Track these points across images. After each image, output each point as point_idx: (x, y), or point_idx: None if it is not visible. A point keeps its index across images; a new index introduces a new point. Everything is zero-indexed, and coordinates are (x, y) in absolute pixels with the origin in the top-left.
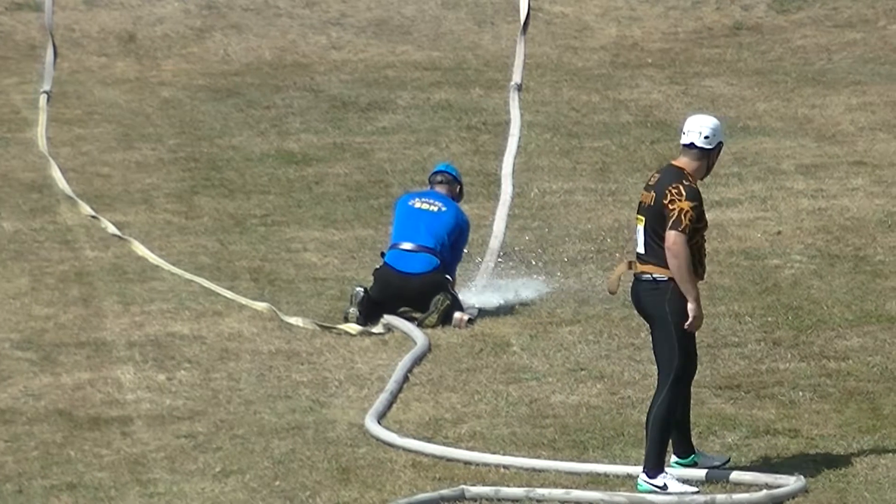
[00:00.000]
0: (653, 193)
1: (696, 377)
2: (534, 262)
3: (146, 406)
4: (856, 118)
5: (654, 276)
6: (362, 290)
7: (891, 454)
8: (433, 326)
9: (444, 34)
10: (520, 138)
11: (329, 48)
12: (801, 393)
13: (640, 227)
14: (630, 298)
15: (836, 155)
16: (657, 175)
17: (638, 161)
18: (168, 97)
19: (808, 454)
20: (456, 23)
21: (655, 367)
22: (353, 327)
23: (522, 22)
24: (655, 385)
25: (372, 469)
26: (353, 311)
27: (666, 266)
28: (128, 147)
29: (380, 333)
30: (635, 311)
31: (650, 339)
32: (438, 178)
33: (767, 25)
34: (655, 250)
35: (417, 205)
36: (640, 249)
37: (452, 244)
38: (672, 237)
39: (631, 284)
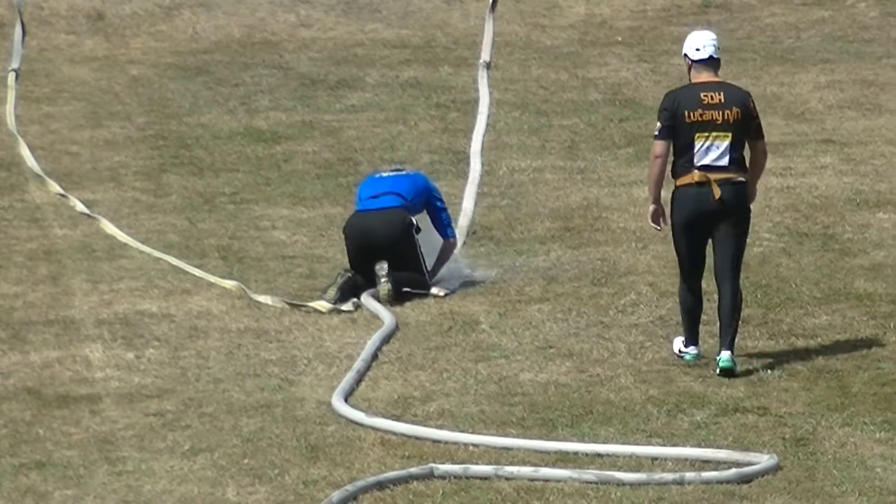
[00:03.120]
0: (735, 108)
1: (664, 354)
2: (503, 240)
3: (115, 384)
4: (824, 96)
5: (741, 179)
6: (349, 274)
7: (859, 432)
8: (390, 300)
9: (412, 12)
10: (488, 116)
11: (298, 26)
12: (769, 371)
13: (725, 143)
14: (692, 212)
15: (805, 133)
16: (719, 93)
17: (607, 139)
18: (137, 75)
19: (776, 432)
20: (425, 1)
21: (726, 264)
22: (323, 305)
23: (491, 0)
24: (727, 280)
25: (340, 447)
26: (333, 290)
27: (746, 171)
28: (96, 125)
29: (349, 311)
30: (694, 222)
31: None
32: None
33: (736, 3)
34: (739, 160)
35: (378, 175)
36: (724, 163)
37: (425, 198)
38: (763, 146)
39: (694, 194)
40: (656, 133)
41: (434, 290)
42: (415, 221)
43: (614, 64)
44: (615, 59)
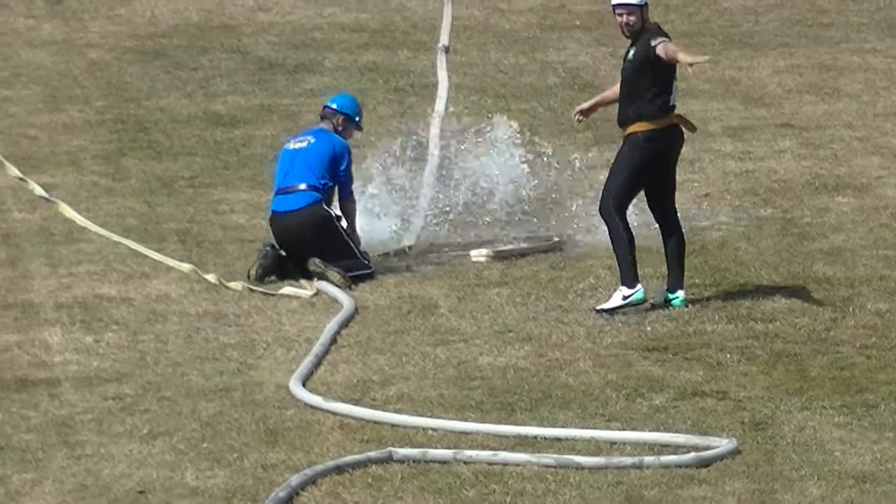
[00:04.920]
0: None
1: (623, 339)
2: (460, 224)
3: (74, 368)
4: (783, 80)
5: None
6: (269, 247)
7: (818, 416)
8: (347, 283)
9: None
10: (447, 100)
11: (256, 10)
12: (728, 355)
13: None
14: (669, 147)
15: (764, 117)
16: None
17: (565, 123)
18: (95, 59)
19: (735, 416)
20: None
21: (662, 210)
22: (237, 285)
23: None
24: (675, 218)
25: (299, 431)
26: (255, 268)
27: None
28: (55, 109)
29: (269, 293)
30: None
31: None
32: (321, 114)
33: None
34: None
35: (291, 146)
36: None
37: (332, 172)
38: None
39: (676, 132)
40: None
41: (474, 257)
42: (332, 212)
43: (573, 48)
44: (574, 43)
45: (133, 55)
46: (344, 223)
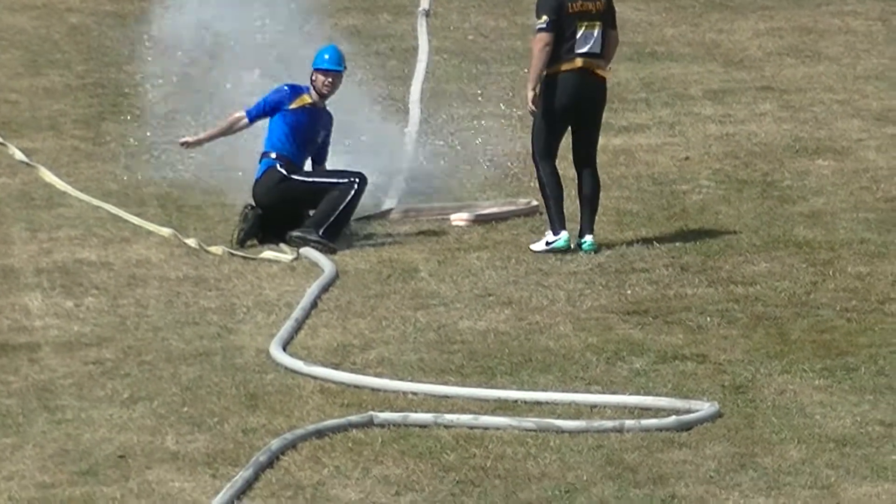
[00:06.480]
0: (599, 2)
1: (603, 302)
2: (442, 188)
3: (54, 333)
4: (763, 43)
5: (608, 68)
6: (249, 208)
7: (798, 379)
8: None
9: None
10: (428, 64)
11: None
12: (708, 318)
13: (597, 31)
14: (573, 96)
15: (744, 80)
16: None
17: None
18: (76, 23)
19: (715, 379)
20: None
21: (584, 152)
22: (217, 249)
23: None
24: (590, 166)
25: (280, 395)
26: (236, 231)
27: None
28: (35, 73)
29: (249, 257)
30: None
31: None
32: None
33: None
34: (607, 51)
35: None
36: (597, 50)
37: (275, 127)
38: (617, 35)
39: (576, 80)
40: (543, 26)
41: (454, 220)
42: (285, 172)
43: None
44: None
45: (113, 19)
46: (307, 169)
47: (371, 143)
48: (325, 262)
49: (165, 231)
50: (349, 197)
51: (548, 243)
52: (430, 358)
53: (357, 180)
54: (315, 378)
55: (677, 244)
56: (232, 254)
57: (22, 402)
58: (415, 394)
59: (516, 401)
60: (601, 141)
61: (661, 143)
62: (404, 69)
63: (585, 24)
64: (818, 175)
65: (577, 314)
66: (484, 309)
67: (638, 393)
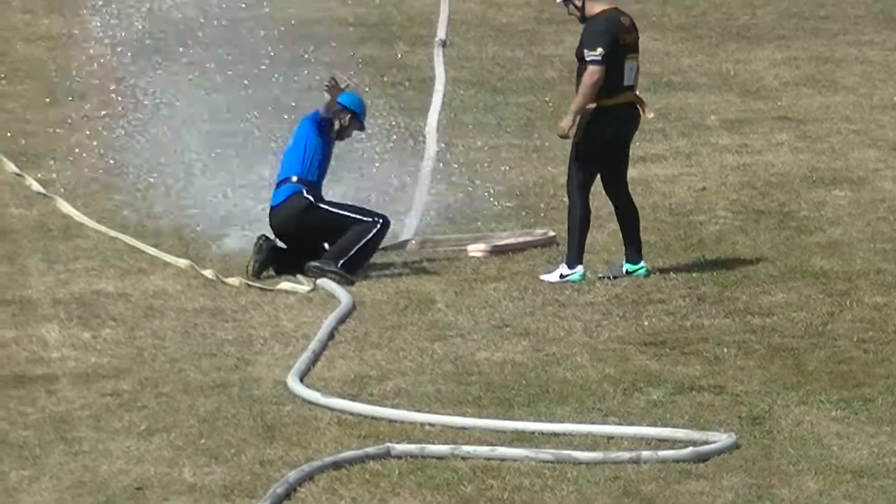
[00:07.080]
0: (636, 34)
1: (620, 333)
2: (458, 219)
3: (71, 364)
4: (780, 73)
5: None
6: (263, 240)
7: (815, 410)
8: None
9: None
10: (444, 94)
11: (255, 4)
12: (725, 349)
13: (636, 64)
14: (620, 129)
15: (761, 110)
16: (625, 16)
17: (562, 117)
18: (93, 53)
19: (732, 410)
20: None
21: (611, 197)
22: (234, 280)
23: None
24: (628, 194)
25: (297, 427)
26: (251, 262)
27: None
28: (52, 104)
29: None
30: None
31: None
32: None
33: None
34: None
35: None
36: (633, 83)
37: (310, 154)
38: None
39: (624, 114)
40: (598, 59)
41: (471, 251)
42: (312, 199)
43: (570, 41)
44: (571, 36)
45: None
46: (330, 198)
47: (386, 173)
48: (342, 294)
49: (182, 262)
50: (371, 234)
51: (562, 276)
52: (448, 389)
53: (381, 221)
54: (332, 409)
55: (694, 275)
56: (249, 285)
57: (39, 433)
58: (432, 425)
59: (533, 432)
60: None
61: (678, 173)
62: (421, 99)
63: (629, 56)
64: (835, 205)
65: (595, 345)
66: (501, 340)
67: (655, 424)
